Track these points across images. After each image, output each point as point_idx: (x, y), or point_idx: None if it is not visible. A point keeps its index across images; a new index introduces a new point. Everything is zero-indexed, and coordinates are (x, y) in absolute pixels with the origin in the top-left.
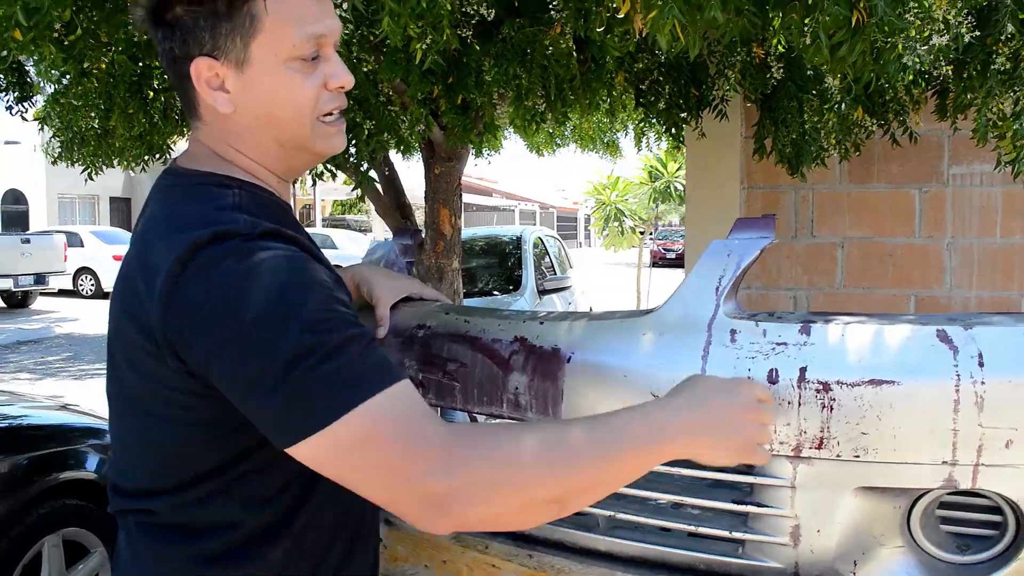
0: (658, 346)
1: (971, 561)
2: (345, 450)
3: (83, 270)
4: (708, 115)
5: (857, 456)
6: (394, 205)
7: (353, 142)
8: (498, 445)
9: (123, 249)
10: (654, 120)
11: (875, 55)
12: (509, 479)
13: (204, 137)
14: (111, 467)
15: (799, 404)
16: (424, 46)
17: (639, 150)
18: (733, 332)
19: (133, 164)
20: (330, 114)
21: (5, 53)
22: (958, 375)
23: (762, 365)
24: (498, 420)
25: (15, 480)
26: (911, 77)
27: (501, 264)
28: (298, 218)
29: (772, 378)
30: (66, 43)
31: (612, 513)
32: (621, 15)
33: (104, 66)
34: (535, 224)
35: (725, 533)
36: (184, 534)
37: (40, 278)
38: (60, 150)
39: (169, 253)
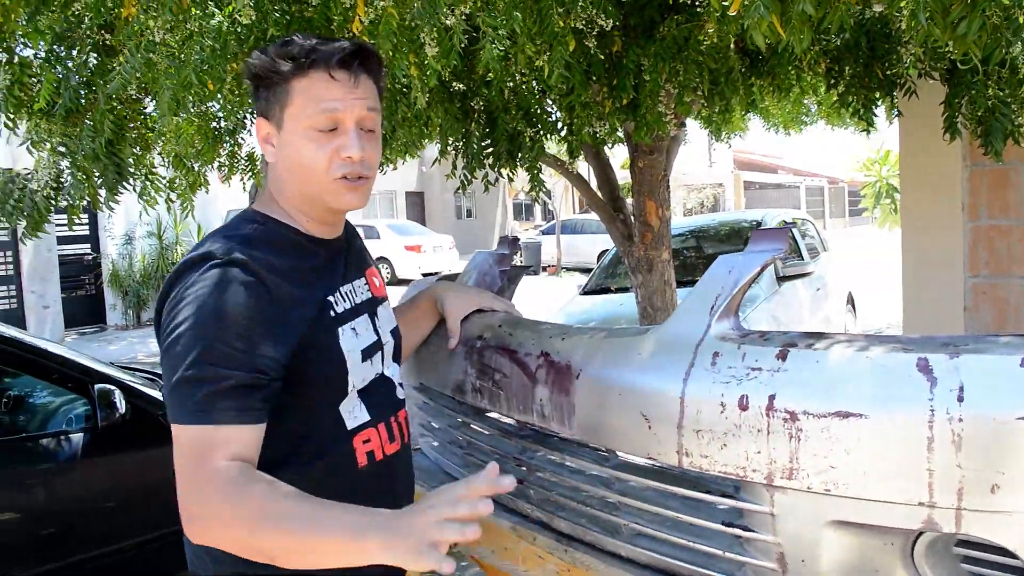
0: (650, 365)
1: None
2: (175, 446)
3: (379, 259)
4: (905, 92)
5: (828, 490)
6: (607, 198)
7: (518, 150)
8: (236, 499)
9: (415, 240)
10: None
11: (993, 31)
12: (231, 527)
13: (267, 180)
14: None
15: (768, 432)
16: (543, 61)
17: (890, 123)
18: (716, 354)
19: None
20: (345, 177)
21: (199, 101)
22: (932, 410)
23: (735, 390)
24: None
25: None
26: None
27: (739, 250)
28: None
29: (743, 404)
30: (240, 90)
31: (629, 523)
32: (732, 12)
33: None
34: (823, 201)
35: (720, 552)
36: None
37: None
38: None
39: (175, 267)
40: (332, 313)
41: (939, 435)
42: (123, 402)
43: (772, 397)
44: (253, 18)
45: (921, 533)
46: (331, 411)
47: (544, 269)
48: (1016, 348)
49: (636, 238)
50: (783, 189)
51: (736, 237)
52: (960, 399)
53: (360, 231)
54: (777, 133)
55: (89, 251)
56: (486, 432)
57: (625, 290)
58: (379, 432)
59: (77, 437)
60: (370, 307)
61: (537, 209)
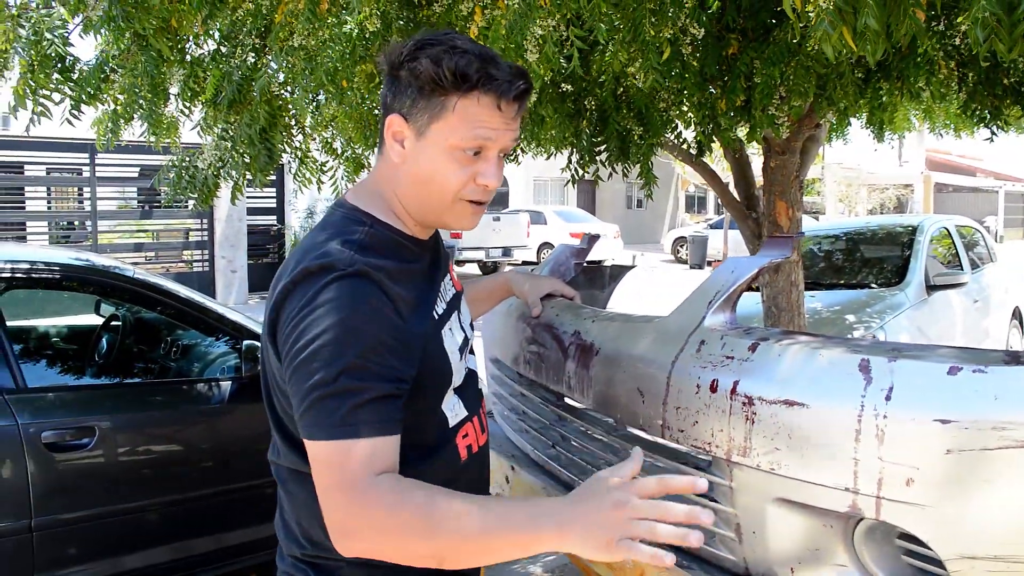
0: (651, 349)
1: None
2: (314, 463)
3: (545, 245)
4: None
5: (772, 469)
6: (742, 196)
7: (630, 146)
8: (399, 509)
9: (580, 227)
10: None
11: None
12: (396, 537)
13: (377, 171)
14: None
15: (730, 414)
16: (636, 68)
17: None
18: (702, 343)
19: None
20: (472, 201)
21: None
22: (862, 406)
23: (709, 374)
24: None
25: None
26: None
27: (890, 255)
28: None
29: (713, 387)
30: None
31: None
32: (814, 23)
33: None
34: None
35: None
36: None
37: (507, 251)
38: None
39: (292, 272)
40: (436, 315)
41: (865, 429)
42: None
43: (736, 383)
44: (378, 26)
45: (860, 520)
46: (437, 412)
47: (709, 264)
48: (949, 358)
49: (765, 237)
50: (979, 193)
51: (888, 242)
52: (888, 398)
53: (527, 216)
54: (942, 137)
55: (275, 223)
56: (533, 399)
57: None
58: (474, 425)
59: (226, 384)
60: (456, 303)
61: (710, 203)
